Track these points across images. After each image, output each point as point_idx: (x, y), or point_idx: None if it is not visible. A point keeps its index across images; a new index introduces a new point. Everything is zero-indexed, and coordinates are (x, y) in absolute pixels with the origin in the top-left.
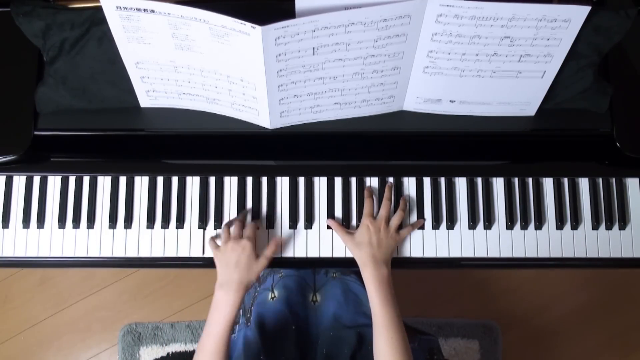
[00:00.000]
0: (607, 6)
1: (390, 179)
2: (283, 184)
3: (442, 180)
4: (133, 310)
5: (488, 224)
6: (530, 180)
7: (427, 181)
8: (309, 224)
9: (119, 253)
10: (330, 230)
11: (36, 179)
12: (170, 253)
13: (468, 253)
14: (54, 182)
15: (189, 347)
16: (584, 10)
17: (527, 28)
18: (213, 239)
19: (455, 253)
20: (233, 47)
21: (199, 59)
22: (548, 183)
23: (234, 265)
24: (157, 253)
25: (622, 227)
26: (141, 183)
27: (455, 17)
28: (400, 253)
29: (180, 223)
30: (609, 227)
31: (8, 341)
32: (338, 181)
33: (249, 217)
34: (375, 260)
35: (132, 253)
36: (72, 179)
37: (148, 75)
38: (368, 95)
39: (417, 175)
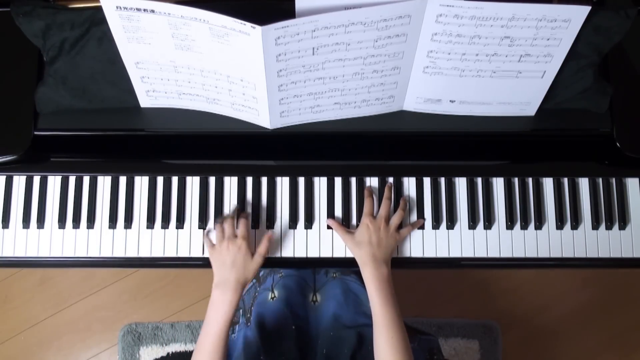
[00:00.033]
0: (607, 6)
1: (390, 179)
2: (283, 184)
3: (442, 180)
4: (133, 310)
5: (488, 224)
6: (530, 180)
7: (427, 181)
8: (309, 224)
9: (119, 253)
10: (330, 230)
11: (36, 179)
12: (170, 253)
13: (468, 253)
14: (54, 182)
15: (189, 347)
16: (584, 10)
17: (527, 28)
18: (208, 236)
19: (455, 253)
20: (233, 47)
21: (199, 59)
22: (548, 183)
23: (230, 265)
24: (157, 253)
25: (622, 227)
26: (141, 183)
27: (455, 17)
28: (400, 253)
29: (180, 223)
30: (609, 227)
31: (8, 341)
32: (338, 181)
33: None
34: (375, 260)
35: (132, 253)
36: (72, 179)
37: (148, 75)
38: (368, 95)
39: (417, 175)
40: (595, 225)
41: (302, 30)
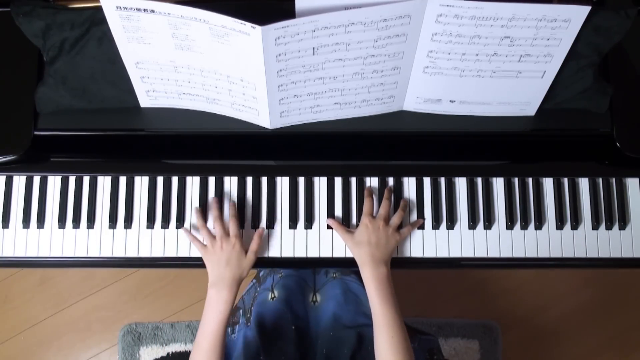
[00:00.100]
0: (607, 6)
1: (390, 182)
2: (283, 184)
3: (442, 180)
4: (133, 310)
5: (488, 224)
6: (530, 180)
7: (427, 181)
8: (309, 224)
9: (119, 253)
10: (330, 230)
11: (36, 179)
12: (170, 253)
13: (468, 253)
14: (54, 182)
15: (189, 347)
16: (584, 10)
17: (527, 28)
18: (196, 238)
19: (455, 253)
20: (233, 47)
21: (199, 59)
22: (548, 183)
23: (225, 263)
24: (157, 253)
25: (622, 227)
26: (141, 183)
27: (455, 17)
28: (400, 253)
29: (180, 223)
30: (609, 227)
31: (8, 341)
32: (338, 181)
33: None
34: (374, 259)
35: (132, 253)
36: (72, 179)
37: (148, 75)
38: (368, 95)
39: (417, 175)
40: (595, 225)
41: (302, 30)
